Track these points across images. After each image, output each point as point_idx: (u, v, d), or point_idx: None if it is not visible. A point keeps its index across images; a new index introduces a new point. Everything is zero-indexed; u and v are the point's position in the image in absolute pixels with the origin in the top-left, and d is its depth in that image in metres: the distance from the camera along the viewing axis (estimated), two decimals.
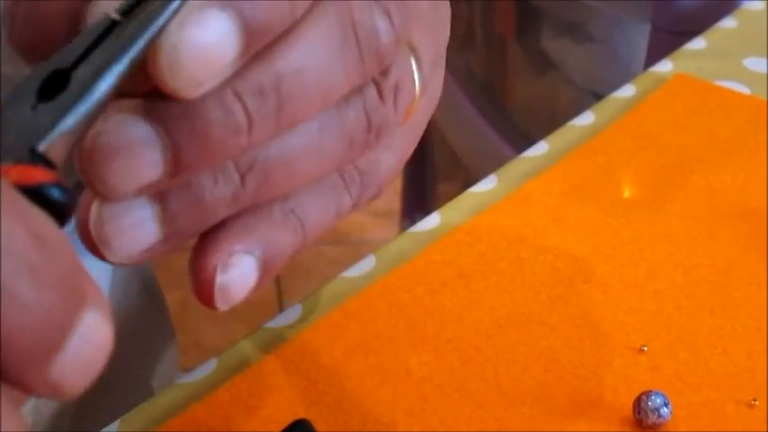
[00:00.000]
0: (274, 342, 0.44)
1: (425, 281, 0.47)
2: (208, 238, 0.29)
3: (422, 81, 0.33)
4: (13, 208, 0.20)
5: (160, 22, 0.25)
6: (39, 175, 0.23)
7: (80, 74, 0.24)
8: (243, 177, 0.28)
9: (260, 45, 0.27)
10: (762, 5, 0.74)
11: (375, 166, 0.32)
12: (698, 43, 0.69)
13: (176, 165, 0.27)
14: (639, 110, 0.60)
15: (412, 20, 0.31)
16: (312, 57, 0.28)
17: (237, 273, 0.29)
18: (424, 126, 0.35)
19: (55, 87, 0.24)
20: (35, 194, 0.22)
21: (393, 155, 0.33)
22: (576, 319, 0.45)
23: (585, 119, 0.60)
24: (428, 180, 1.30)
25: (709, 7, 0.84)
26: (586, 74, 0.97)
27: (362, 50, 0.29)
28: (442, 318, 0.46)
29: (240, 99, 0.27)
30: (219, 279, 0.29)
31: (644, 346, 0.44)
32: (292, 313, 0.46)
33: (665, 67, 0.66)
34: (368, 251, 0.50)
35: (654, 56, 0.67)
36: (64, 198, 0.23)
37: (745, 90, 0.63)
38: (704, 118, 0.60)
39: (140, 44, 0.25)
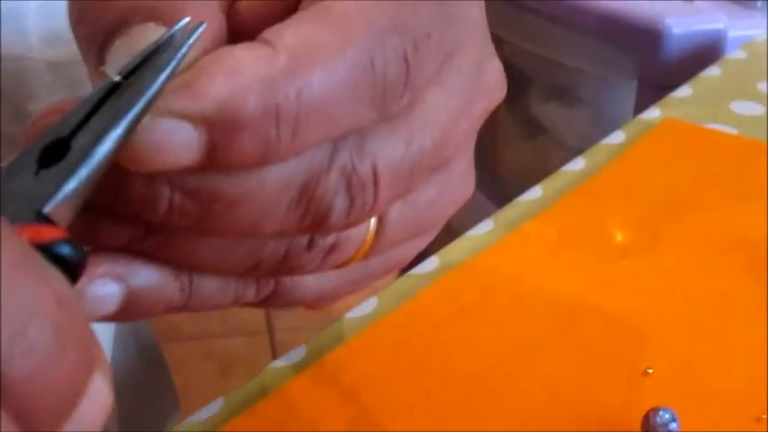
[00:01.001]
0: (279, 381, 0.45)
1: (428, 317, 0.48)
2: (100, 249, 0.29)
3: (377, 246, 0.31)
4: (36, 269, 0.20)
5: (154, 89, 0.26)
6: (49, 233, 0.23)
7: (80, 140, 0.25)
8: (146, 233, 0.28)
9: (218, 168, 0.26)
10: (744, 54, 0.76)
11: (296, 283, 0.32)
12: (684, 91, 0.70)
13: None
14: (630, 153, 0.61)
15: (395, 200, 0.30)
16: (256, 195, 0.27)
17: (98, 290, 0.28)
18: (375, 274, 0.34)
19: (55, 155, 0.25)
20: (46, 252, 0.23)
21: (322, 282, 0.32)
22: (578, 346, 0.46)
23: (577, 164, 0.61)
24: None
25: (694, 60, 0.85)
26: (576, 136, 0.99)
27: (306, 216, 0.28)
28: (447, 351, 0.46)
29: (171, 191, 0.27)
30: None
31: (648, 368, 0.44)
32: (297, 353, 0.46)
33: (652, 114, 0.67)
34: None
35: (641, 111, 0.69)
36: (75, 254, 0.23)
37: (734, 131, 0.64)
38: (694, 158, 0.61)
39: (136, 110, 0.25)
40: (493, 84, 0.33)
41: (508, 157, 1.08)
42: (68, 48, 0.50)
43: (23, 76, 0.50)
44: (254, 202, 0.27)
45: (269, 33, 0.27)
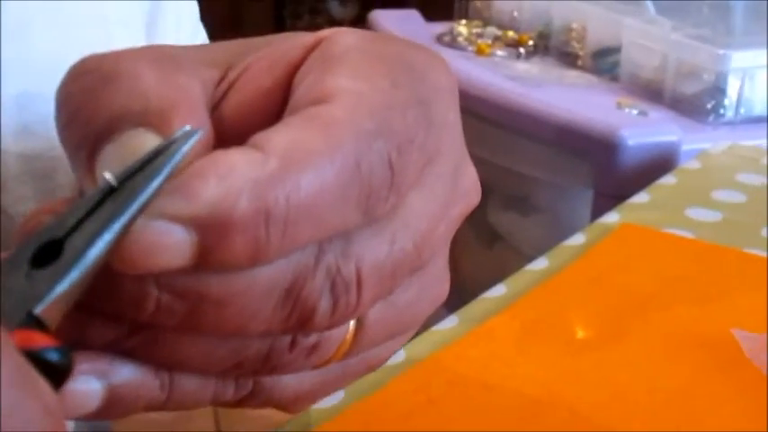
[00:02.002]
0: None
1: (396, 407, 0.48)
2: (89, 348, 0.29)
3: (356, 347, 0.32)
4: (29, 383, 0.21)
5: (147, 194, 0.26)
6: (40, 340, 0.24)
7: (74, 242, 0.25)
8: (130, 332, 0.29)
9: (208, 268, 0.27)
10: (699, 164, 0.78)
11: (275, 383, 0.32)
12: (642, 197, 0.72)
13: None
14: (591, 254, 0.62)
15: (377, 301, 0.30)
16: (243, 295, 0.28)
17: (80, 387, 0.29)
18: (352, 374, 0.34)
19: (48, 256, 0.25)
20: (35, 357, 0.23)
21: (300, 382, 0.33)
22: None
23: (540, 264, 0.62)
24: None
25: (649, 171, 0.87)
26: (533, 245, 1.00)
27: (292, 316, 0.29)
28: None
29: (159, 291, 0.27)
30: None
31: None
32: None
33: (611, 218, 0.68)
34: None
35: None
36: (63, 361, 0.24)
37: (690, 236, 0.65)
38: (653, 260, 0.62)
39: (129, 214, 0.26)
40: (469, 187, 0.34)
41: (466, 266, 1.09)
42: (40, 140, 0.51)
43: None
44: (241, 302, 0.28)
45: (258, 138, 0.28)
